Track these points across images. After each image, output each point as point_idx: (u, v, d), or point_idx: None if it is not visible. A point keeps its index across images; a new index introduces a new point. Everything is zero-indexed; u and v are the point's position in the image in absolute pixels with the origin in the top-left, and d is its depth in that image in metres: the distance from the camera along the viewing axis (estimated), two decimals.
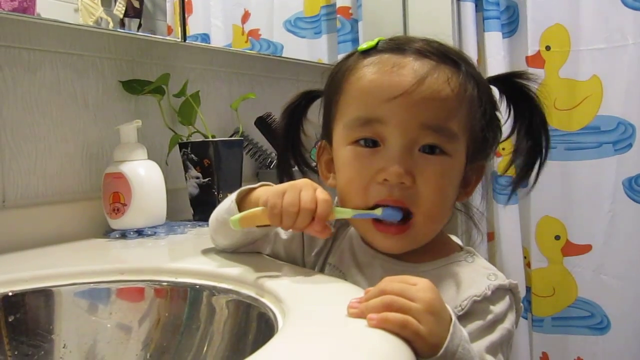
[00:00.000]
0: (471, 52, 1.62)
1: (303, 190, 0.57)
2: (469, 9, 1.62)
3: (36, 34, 0.92)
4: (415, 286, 0.46)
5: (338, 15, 1.56)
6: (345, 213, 0.58)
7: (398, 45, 0.59)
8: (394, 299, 0.44)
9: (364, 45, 0.61)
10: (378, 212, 0.57)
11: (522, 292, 1.63)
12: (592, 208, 1.56)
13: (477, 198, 0.70)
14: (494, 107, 0.62)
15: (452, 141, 0.58)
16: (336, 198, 0.63)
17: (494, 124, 0.62)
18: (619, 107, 1.51)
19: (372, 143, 0.58)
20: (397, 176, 0.56)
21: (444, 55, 0.58)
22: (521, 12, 1.62)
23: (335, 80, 0.63)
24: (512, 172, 1.66)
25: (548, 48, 1.58)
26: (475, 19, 1.63)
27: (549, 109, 1.70)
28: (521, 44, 1.61)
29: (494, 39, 1.60)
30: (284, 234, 0.69)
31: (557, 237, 1.61)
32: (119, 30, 1.02)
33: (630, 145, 1.50)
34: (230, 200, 0.66)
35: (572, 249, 1.60)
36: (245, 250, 0.70)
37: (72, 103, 0.97)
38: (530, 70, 1.57)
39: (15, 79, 0.89)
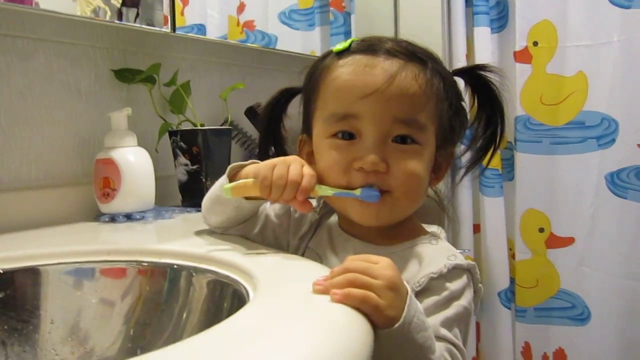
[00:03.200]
0: (460, 46, 1.65)
1: (292, 164, 0.63)
2: (459, 3, 1.65)
3: (30, 22, 0.94)
4: (377, 264, 0.50)
5: (331, 8, 1.58)
6: (327, 190, 0.63)
7: (369, 47, 0.64)
8: (357, 276, 0.48)
9: (338, 46, 0.65)
10: (357, 192, 0.62)
11: (506, 283, 1.67)
12: (576, 201, 1.60)
13: (445, 185, 0.74)
14: (459, 98, 0.67)
15: (422, 131, 0.63)
16: None
17: (460, 113, 0.67)
18: (603, 103, 1.54)
19: (349, 136, 0.63)
20: (372, 164, 0.61)
21: (411, 54, 0.63)
22: (510, 8, 1.65)
23: (312, 79, 0.67)
24: (496, 164, 1.67)
25: (536, 44, 1.61)
26: (465, 14, 1.66)
27: (534, 104, 1.72)
28: (509, 39, 1.64)
29: (483, 34, 1.63)
30: (274, 217, 0.73)
31: (541, 230, 1.64)
32: (109, 20, 1.04)
33: (613, 141, 1.53)
34: (222, 176, 0.71)
35: (555, 242, 1.63)
36: (234, 232, 0.74)
37: (64, 91, 1.00)
38: (518, 65, 1.61)
39: (9, 66, 0.92)
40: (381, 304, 0.47)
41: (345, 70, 0.63)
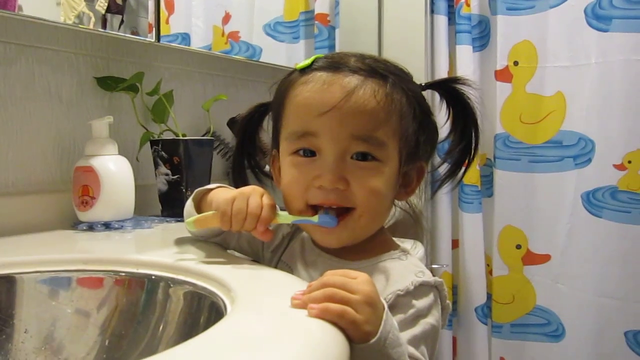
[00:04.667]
0: (442, 63, 1.67)
1: (250, 197, 0.64)
2: (441, 21, 1.68)
3: (13, 28, 0.94)
4: (355, 279, 0.50)
5: (316, 22, 1.59)
6: (286, 218, 0.65)
7: (332, 64, 0.64)
8: (335, 291, 0.48)
9: (301, 63, 0.66)
10: (315, 218, 0.63)
11: (483, 299, 1.69)
12: (552, 219, 1.62)
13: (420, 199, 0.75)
14: (425, 113, 0.67)
15: (381, 148, 0.63)
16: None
17: (427, 128, 0.67)
18: (580, 123, 1.57)
19: (310, 153, 0.63)
20: (331, 182, 0.61)
21: (372, 71, 0.63)
22: (492, 28, 1.68)
23: (278, 96, 0.68)
24: (476, 180, 1.69)
25: (516, 63, 1.64)
26: (447, 32, 1.68)
27: (514, 122, 1.74)
28: (491, 58, 1.67)
29: (465, 52, 1.66)
30: None
31: (518, 247, 1.66)
32: (93, 29, 1.04)
33: (589, 160, 1.56)
34: (190, 199, 0.73)
35: (532, 259, 1.65)
36: (215, 241, 0.76)
37: (45, 97, 0.99)
38: (499, 84, 1.63)
39: None
40: (358, 319, 0.47)
41: (306, 88, 0.63)
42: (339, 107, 0.60)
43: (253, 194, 0.65)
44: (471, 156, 0.70)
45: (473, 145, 0.69)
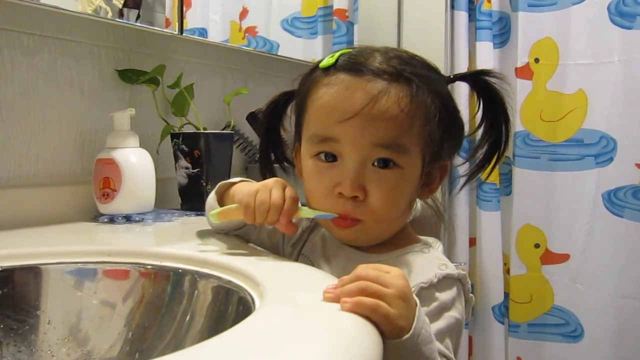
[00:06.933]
0: (462, 60, 1.66)
1: (273, 189, 0.64)
2: (462, 18, 1.66)
3: (36, 19, 0.94)
4: (388, 274, 0.49)
5: (334, 17, 1.58)
6: (308, 213, 0.65)
7: (355, 65, 0.62)
8: (369, 284, 0.47)
9: (324, 61, 0.64)
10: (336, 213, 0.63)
11: (500, 298, 1.67)
12: (572, 219, 1.60)
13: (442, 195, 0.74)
14: (450, 113, 0.65)
15: (404, 155, 0.61)
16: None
17: (453, 128, 0.66)
18: (602, 121, 1.55)
19: (332, 157, 0.62)
20: (350, 190, 0.60)
21: (397, 74, 0.61)
22: (513, 24, 1.66)
23: (300, 94, 0.67)
24: (494, 178, 1.68)
25: (537, 60, 1.62)
26: (467, 28, 1.67)
27: (534, 120, 1.73)
28: (511, 55, 1.65)
29: (485, 49, 1.64)
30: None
31: (537, 246, 1.65)
32: (117, 19, 1.04)
33: (611, 159, 1.54)
34: (212, 192, 0.73)
35: (550, 258, 1.64)
36: (236, 234, 0.76)
37: (68, 89, 0.99)
38: (519, 81, 1.62)
39: (14, 62, 0.91)
40: (392, 313, 0.46)
41: (328, 91, 0.62)
42: (362, 114, 0.59)
43: (275, 186, 0.65)
44: (500, 151, 0.68)
45: (503, 139, 0.67)
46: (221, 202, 0.74)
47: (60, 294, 0.65)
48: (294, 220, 0.66)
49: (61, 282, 0.65)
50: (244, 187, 0.69)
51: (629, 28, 1.51)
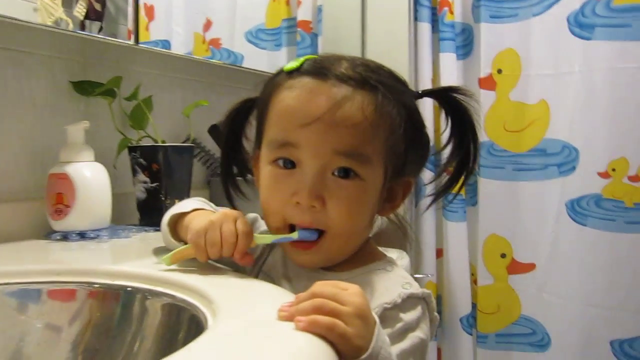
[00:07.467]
0: (426, 71, 1.66)
1: (224, 224, 0.61)
2: (425, 29, 1.67)
3: None
4: (346, 291, 0.47)
5: (298, 29, 1.57)
6: (265, 239, 0.63)
7: (320, 69, 0.59)
8: (325, 302, 0.45)
9: (288, 65, 0.62)
10: (294, 235, 0.60)
11: (468, 309, 1.67)
12: (537, 228, 1.61)
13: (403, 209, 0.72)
14: (416, 126, 0.63)
15: (366, 165, 0.59)
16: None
17: (418, 143, 0.64)
18: (564, 131, 1.57)
19: (290, 163, 0.60)
20: (308, 200, 0.58)
21: (362, 81, 0.59)
22: (475, 35, 1.67)
23: (263, 97, 0.64)
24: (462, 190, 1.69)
25: (500, 71, 1.64)
26: (431, 40, 1.68)
27: (498, 130, 1.73)
28: (474, 66, 1.66)
29: (449, 60, 1.65)
30: None
31: (503, 255, 1.65)
32: (68, 30, 1.00)
33: (573, 168, 1.56)
34: (165, 224, 0.70)
35: (516, 268, 1.64)
36: None
37: (19, 101, 0.96)
38: (482, 92, 1.63)
39: None
40: (349, 332, 0.44)
41: (290, 94, 0.59)
42: (323, 119, 0.57)
43: (225, 222, 0.61)
44: (469, 169, 0.66)
45: (472, 157, 0.65)
46: (175, 233, 0.70)
47: (2, 317, 0.61)
48: (250, 249, 0.63)
49: (3, 305, 0.62)
50: (193, 223, 0.64)
51: (588, 39, 1.53)
